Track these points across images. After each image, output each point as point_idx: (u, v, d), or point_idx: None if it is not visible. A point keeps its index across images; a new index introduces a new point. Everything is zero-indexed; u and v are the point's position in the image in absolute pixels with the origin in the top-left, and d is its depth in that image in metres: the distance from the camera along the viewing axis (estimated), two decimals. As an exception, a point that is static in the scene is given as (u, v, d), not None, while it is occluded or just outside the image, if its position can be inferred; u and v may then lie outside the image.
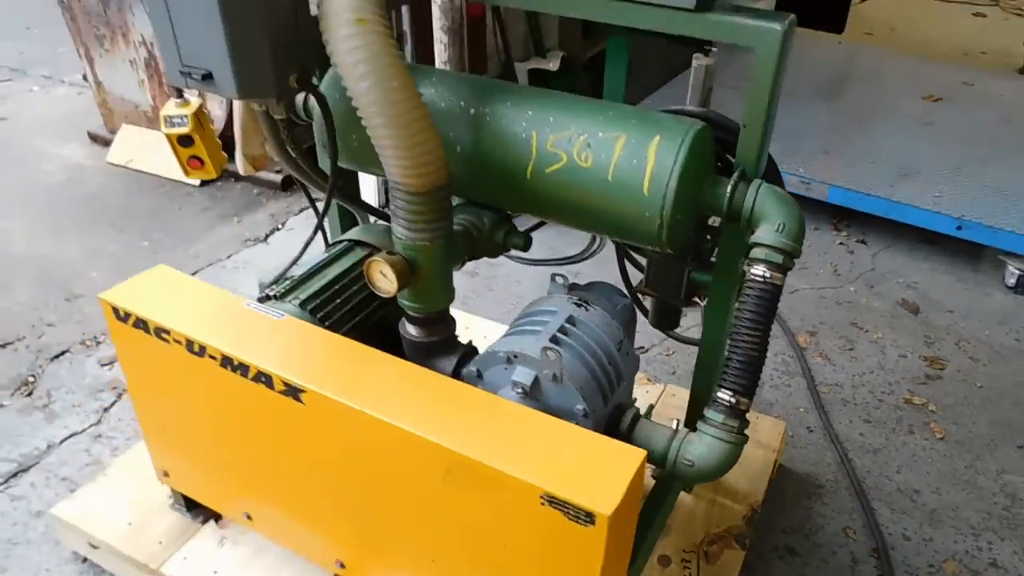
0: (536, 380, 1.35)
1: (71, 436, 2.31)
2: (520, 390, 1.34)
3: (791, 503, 2.13)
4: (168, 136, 1.48)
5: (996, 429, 2.37)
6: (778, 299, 1.38)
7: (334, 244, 1.76)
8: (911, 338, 2.72)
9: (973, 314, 2.85)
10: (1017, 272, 2.91)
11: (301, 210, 3.48)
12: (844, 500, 2.13)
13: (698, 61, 1.57)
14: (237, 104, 1.65)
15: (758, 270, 1.36)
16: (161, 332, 1.45)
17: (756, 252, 1.37)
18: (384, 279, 1.40)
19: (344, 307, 1.59)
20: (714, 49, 1.58)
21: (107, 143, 3.97)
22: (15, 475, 2.20)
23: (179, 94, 1.48)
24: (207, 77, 1.30)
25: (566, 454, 1.20)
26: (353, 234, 1.76)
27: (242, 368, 1.37)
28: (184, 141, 1.48)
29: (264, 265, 3.11)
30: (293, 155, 1.54)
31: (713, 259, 1.75)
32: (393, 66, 1.24)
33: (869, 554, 1.99)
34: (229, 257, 3.15)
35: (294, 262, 1.66)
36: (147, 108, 3.78)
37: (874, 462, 2.24)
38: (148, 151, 3.80)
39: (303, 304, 1.55)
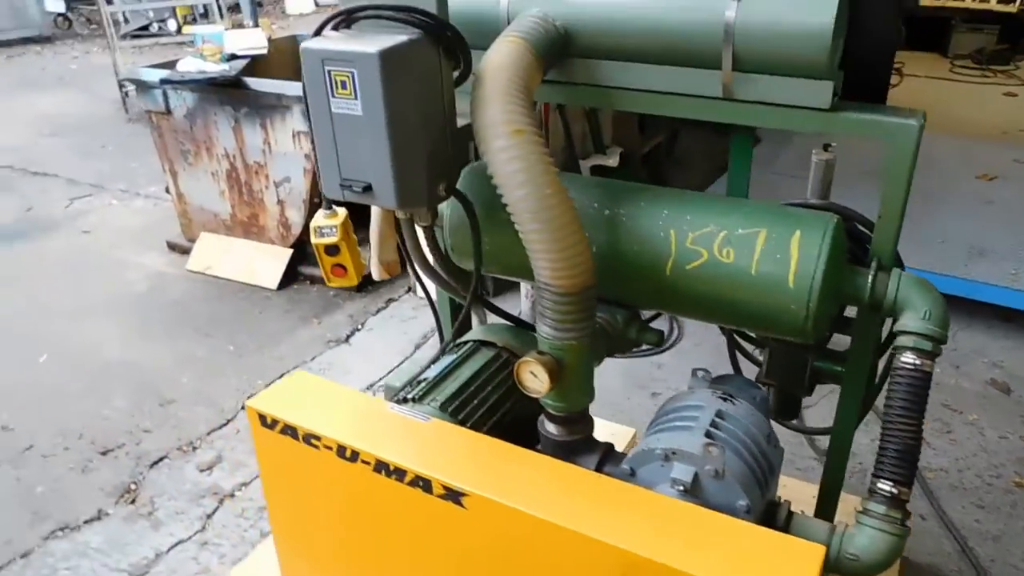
0: (696, 477, 1.32)
1: (178, 544, 2.29)
2: (681, 487, 1.32)
3: (918, 595, 2.04)
4: (316, 246, 1.53)
5: (1118, 511, 2.27)
6: (929, 385, 1.36)
7: (458, 345, 1.77)
8: (1008, 418, 2.64)
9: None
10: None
11: (378, 310, 3.52)
12: (973, 590, 2.03)
13: (818, 157, 1.60)
14: (375, 212, 1.70)
15: (909, 358, 1.35)
16: (311, 438, 1.45)
17: (904, 340, 1.36)
18: (535, 379, 1.40)
19: (481, 408, 1.58)
20: (834, 145, 1.62)
21: (185, 251, 4.08)
22: (125, 585, 2.18)
23: (328, 206, 1.53)
24: (367, 189, 1.35)
25: (747, 551, 1.17)
26: (476, 335, 1.77)
27: (398, 473, 1.36)
28: (331, 250, 1.53)
29: (349, 366, 3.13)
30: (432, 260, 1.57)
31: (829, 346, 1.75)
32: (548, 174, 1.29)
33: (1010, 649, 1.89)
34: (313, 359, 3.18)
35: (427, 367, 1.67)
36: (226, 217, 3.91)
37: (996, 550, 2.15)
38: (226, 258, 3.90)
39: (443, 406, 1.54)
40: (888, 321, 1.48)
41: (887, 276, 1.41)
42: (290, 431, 1.48)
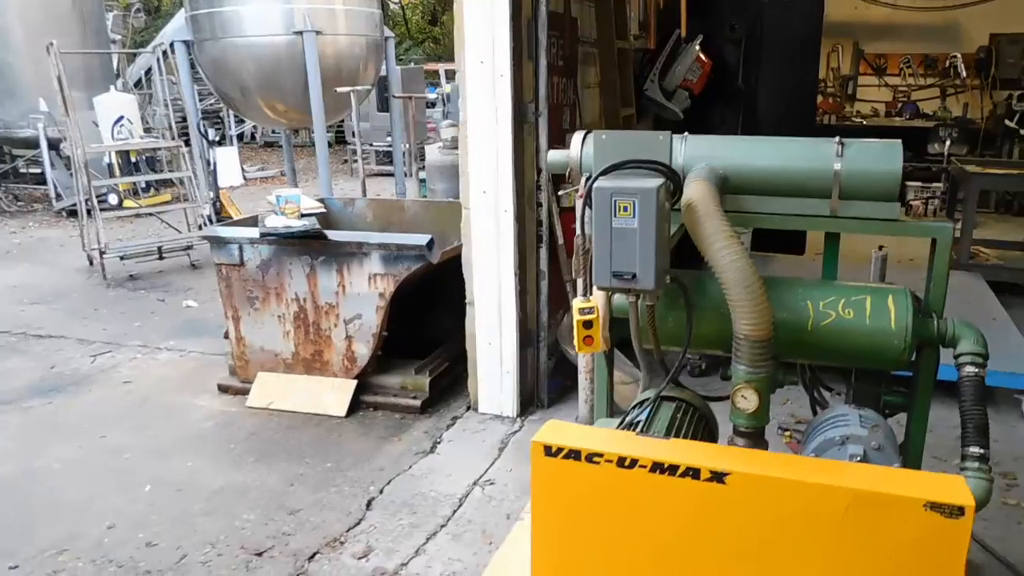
0: (865, 452, 2.07)
1: (375, 612, 2.71)
2: (858, 458, 2.05)
3: None
4: (577, 322, 2.21)
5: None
6: (985, 384, 2.19)
7: (643, 403, 2.45)
8: (984, 461, 3.56)
9: (1014, 440, 3.75)
10: (1032, 404, 3.91)
11: (448, 426, 4.09)
12: (998, 571, 2.81)
13: (876, 253, 2.51)
14: (601, 297, 2.41)
15: (971, 369, 2.18)
16: (593, 457, 2.07)
17: (964, 359, 2.20)
18: (745, 401, 2.12)
19: (687, 436, 2.27)
20: (885, 246, 2.53)
21: (239, 392, 4.51)
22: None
23: (585, 294, 2.24)
24: (633, 277, 2.09)
25: (920, 482, 1.90)
26: (655, 394, 2.47)
27: (671, 469, 2.00)
28: (587, 325, 2.22)
29: (446, 470, 3.65)
30: (652, 330, 2.30)
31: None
32: (748, 260, 2.08)
33: None
34: (410, 467, 3.68)
35: (631, 414, 2.35)
36: (288, 355, 4.42)
37: (1004, 543, 2.97)
38: (288, 393, 4.37)
39: (666, 433, 2.22)
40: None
41: (945, 321, 2.28)
42: (573, 454, 2.10)
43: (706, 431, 2.41)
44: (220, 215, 8.96)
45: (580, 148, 2.52)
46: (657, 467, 2.02)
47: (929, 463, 3.34)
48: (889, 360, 2.24)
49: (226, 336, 4.58)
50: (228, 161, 13.07)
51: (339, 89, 6.48)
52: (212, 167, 9.35)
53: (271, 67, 8.04)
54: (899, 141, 2.26)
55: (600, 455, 2.07)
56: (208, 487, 3.55)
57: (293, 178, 10.49)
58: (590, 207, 2.13)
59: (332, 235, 4.12)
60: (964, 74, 10.28)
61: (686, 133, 2.48)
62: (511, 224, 3.89)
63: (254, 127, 17.72)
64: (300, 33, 7.58)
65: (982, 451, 2.10)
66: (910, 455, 2.46)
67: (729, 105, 6.49)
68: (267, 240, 4.19)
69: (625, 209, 2.06)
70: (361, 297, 4.17)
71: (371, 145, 14.65)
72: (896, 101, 10.66)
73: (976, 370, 2.18)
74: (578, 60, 4.74)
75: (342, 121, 14.30)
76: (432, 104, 15.53)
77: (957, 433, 2.15)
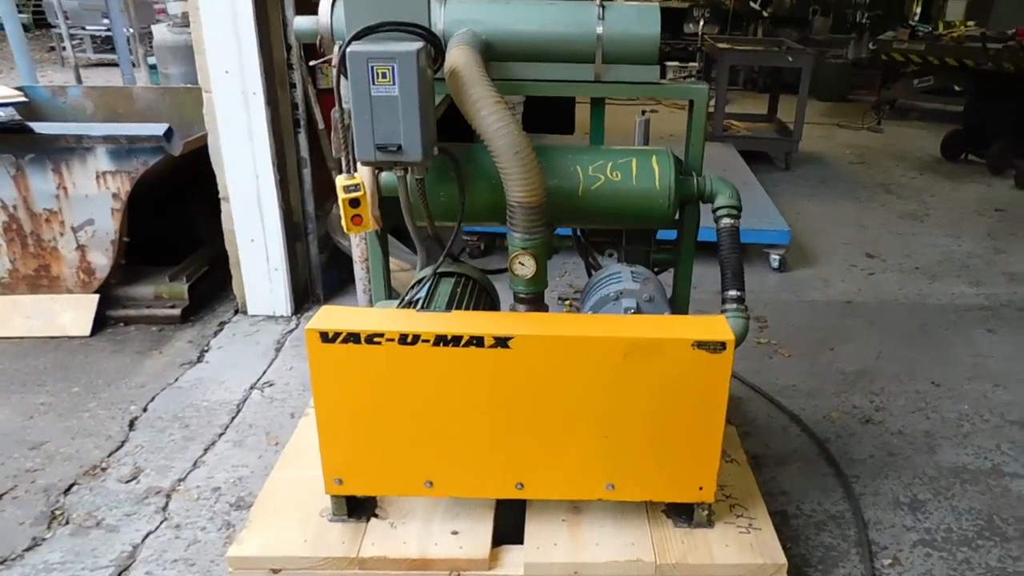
0: (638, 304, 2.26)
1: (149, 534, 2.57)
2: (632, 311, 2.24)
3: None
4: (343, 200, 2.13)
5: (813, 344, 3.73)
6: (739, 234, 2.46)
7: (422, 280, 2.48)
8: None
9: (764, 288, 4.30)
10: (777, 257, 4.47)
11: (216, 332, 3.90)
12: (757, 401, 3.27)
13: (640, 119, 2.67)
14: (367, 178, 2.35)
15: (728, 221, 2.43)
16: (373, 337, 2.08)
17: (721, 212, 2.44)
18: (523, 267, 2.21)
19: (467, 307, 2.35)
20: (647, 111, 2.70)
21: (-58, 323, 3.97)
22: (114, 579, 2.43)
23: (348, 171, 2.16)
24: (399, 149, 2.07)
25: (687, 325, 2.13)
26: (432, 271, 2.51)
27: (455, 340, 2.06)
28: (354, 203, 2.15)
29: (218, 378, 3.50)
30: (424, 204, 2.30)
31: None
32: (517, 125, 2.13)
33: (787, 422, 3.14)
34: (176, 380, 3.48)
35: (410, 294, 2.38)
36: (2, 274, 3.93)
37: (759, 376, 3.43)
38: (11, 317, 3.91)
39: (447, 308, 2.28)
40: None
41: (704, 179, 2.50)
42: (352, 337, 2.09)
43: (488, 303, 2.50)
44: None
45: (331, 13, 2.39)
46: (440, 340, 2.08)
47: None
48: (657, 218, 2.44)
49: (-83, 258, 3.97)
50: None
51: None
52: None
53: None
54: (656, 4, 2.38)
55: (381, 335, 2.09)
56: (-79, 433, 3.14)
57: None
58: (345, 76, 2.06)
59: (40, 127, 3.64)
60: (714, -49, 11.00)
61: (445, -5, 2.43)
62: (262, 107, 3.67)
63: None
64: None
65: (739, 293, 2.37)
66: (678, 306, 2.73)
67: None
68: (-41, 136, 3.62)
69: (384, 75, 2.01)
70: (90, 200, 3.77)
71: (84, 29, 12.94)
72: (653, -23, 11.22)
73: (732, 221, 2.44)
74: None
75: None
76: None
77: (717, 288, 2.40)
